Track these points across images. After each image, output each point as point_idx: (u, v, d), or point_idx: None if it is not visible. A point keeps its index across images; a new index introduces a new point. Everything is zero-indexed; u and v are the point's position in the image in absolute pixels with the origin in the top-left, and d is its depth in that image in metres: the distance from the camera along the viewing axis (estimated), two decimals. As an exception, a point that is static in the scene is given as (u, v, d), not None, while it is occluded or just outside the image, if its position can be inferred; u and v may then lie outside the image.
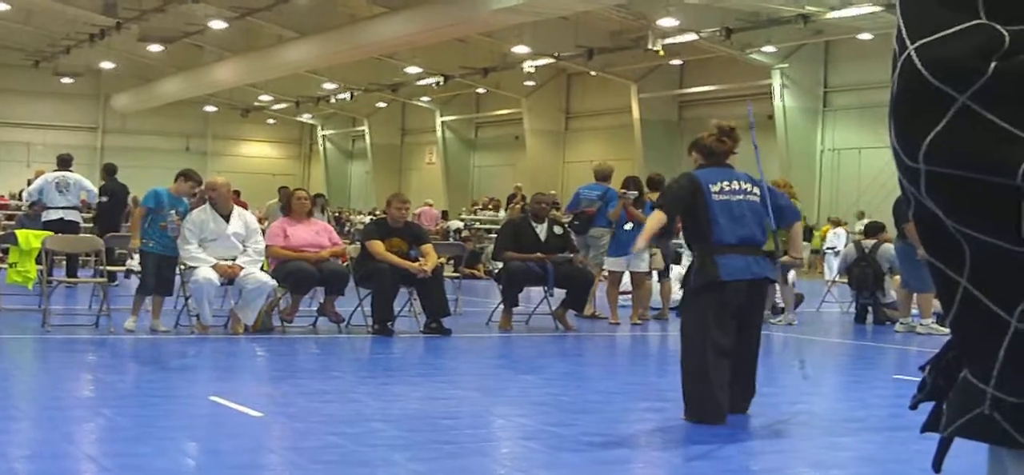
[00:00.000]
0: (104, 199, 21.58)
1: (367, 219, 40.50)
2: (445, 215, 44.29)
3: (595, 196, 17.17)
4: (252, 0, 42.47)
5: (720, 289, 8.36)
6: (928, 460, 5.95)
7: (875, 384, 11.78)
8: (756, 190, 8.78)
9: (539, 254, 15.41)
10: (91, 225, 23.36)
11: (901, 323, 16.84)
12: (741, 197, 8.64)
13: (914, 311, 17.06)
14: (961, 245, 1.68)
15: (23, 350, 12.68)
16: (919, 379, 2.20)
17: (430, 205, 40.87)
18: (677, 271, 17.17)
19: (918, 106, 1.63)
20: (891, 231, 17.99)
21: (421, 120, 62.25)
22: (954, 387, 1.85)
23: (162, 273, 13.78)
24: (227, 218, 13.89)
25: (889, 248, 17.91)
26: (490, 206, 44.69)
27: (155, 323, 13.76)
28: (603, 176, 17.69)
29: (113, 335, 13.26)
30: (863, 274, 18.25)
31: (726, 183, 8.64)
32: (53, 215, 19.51)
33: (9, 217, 32.30)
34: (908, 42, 1.64)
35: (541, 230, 15.82)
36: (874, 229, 19.01)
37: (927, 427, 1.99)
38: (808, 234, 29.33)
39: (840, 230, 32.36)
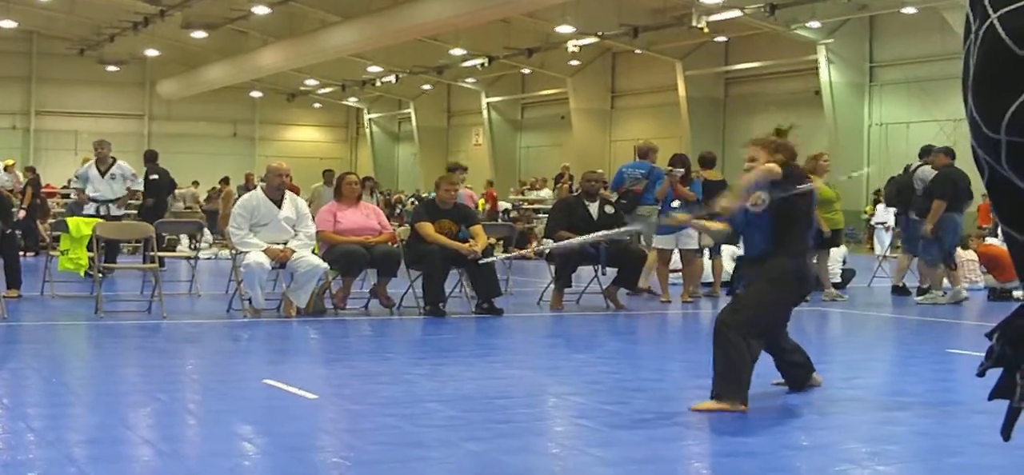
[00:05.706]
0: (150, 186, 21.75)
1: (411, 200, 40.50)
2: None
3: (640, 174, 17.12)
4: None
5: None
6: (983, 435, 5.94)
7: (929, 359, 11.69)
8: None
9: (592, 234, 15.35)
10: (135, 213, 23.49)
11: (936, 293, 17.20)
12: None
13: (946, 284, 17.32)
14: None
15: (78, 337, 12.77)
16: (984, 347, 2.16)
17: (468, 189, 40.64)
18: (731, 250, 16.97)
19: (1001, 76, 1.59)
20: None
21: (467, 102, 62.26)
22: None
23: None
24: (278, 203, 13.94)
25: (927, 170, 17.96)
26: (537, 186, 44.60)
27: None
28: (645, 154, 17.63)
29: (166, 320, 13.33)
30: (900, 189, 18.61)
31: None
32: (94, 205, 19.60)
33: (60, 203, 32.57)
34: (990, 10, 1.60)
35: (593, 209, 15.81)
36: (925, 151, 18.96)
37: (996, 394, 1.95)
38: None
39: (890, 205, 32.14)
